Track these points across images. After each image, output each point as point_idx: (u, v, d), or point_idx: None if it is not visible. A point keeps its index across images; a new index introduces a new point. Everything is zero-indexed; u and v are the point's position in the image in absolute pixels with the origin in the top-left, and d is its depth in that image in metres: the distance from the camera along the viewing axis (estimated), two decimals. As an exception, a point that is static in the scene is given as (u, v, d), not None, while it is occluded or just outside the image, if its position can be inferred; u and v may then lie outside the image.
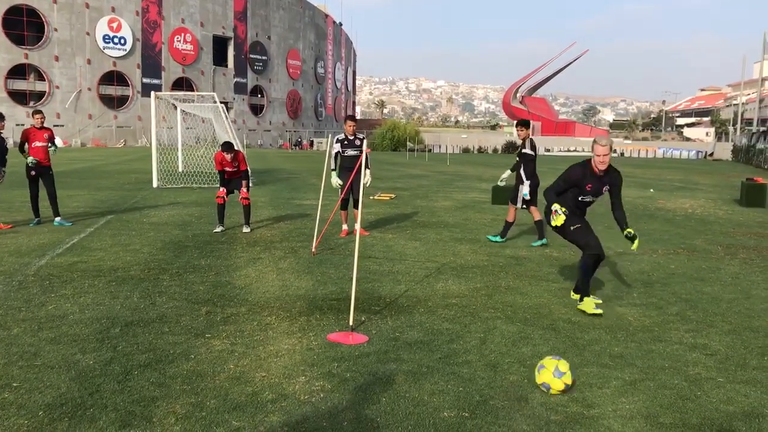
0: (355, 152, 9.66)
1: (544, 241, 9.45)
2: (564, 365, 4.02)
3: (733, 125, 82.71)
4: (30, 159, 10.42)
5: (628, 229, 5.89)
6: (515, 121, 10.45)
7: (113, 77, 75.44)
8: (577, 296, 6.23)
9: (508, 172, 9.87)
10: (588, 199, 6.01)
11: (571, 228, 5.91)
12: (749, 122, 76.23)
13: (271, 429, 3.46)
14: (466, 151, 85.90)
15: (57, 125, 66.48)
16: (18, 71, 69.24)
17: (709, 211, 14.76)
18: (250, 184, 11.38)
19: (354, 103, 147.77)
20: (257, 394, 3.90)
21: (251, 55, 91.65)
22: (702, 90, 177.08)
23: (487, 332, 5.23)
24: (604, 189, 5.91)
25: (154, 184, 19.08)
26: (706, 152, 78.62)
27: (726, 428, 3.58)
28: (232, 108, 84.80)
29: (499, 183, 11.00)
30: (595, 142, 5.87)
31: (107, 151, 54.64)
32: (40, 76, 70.81)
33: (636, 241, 5.87)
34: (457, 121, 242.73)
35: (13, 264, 7.56)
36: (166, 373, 4.21)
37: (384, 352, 4.68)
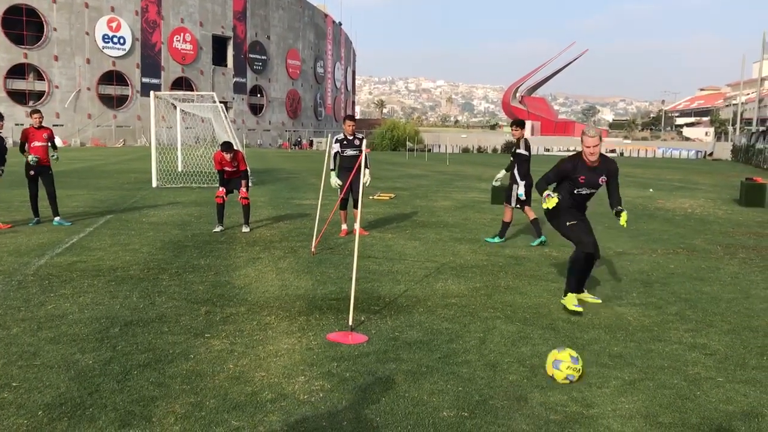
0: (355, 152, 9.66)
1: (542, 239, 9.46)
2: (564, 365, 4.18)
3: (733, 125, 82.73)
4: (31, 157, 10.41)
5: (616, 208, 5.80)
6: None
7: (112, 77, 75.45)
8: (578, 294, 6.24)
9: (503, 171, 9.86)
10: (584, 192, 5.89)
11: (567, 224, 5.88)
12: (748, 122, 76.25)
13: (270, 429, 3.46)
14: (465, 150, 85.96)
15: (56, 125, 66.46)
16: (17, 71, 69.24)
17: (708, 211, 14.76)
18: (250, 184, 11.38)
19: (353, 102, 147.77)
20: (257, 394, 3.89)
21: (251, 55, 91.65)
22: (701, 90, 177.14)
23: (487, 332, 5.23)
24: (600, 180, 5.81)
25: (154, 184, 19.07)
26: (705, 152, 78.69)
27: (725, 428, 3.58)
28: (232, 108, 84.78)
29: (494, 183, 11.01)
30: (583, 133, 5.79)
31: (106, 151, 54.63)
32: (40, 76, 70.81)
33: (623, 215, 5.73)
34: (456, 121, 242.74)
35: (12, 263, 7.55)
36: (166, 372, 4.21)
37: (383, 352, 4.68)
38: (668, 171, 36.95)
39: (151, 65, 77.97)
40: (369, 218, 12.12)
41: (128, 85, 76.59)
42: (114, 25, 74.50)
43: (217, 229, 10.27)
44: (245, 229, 10.33)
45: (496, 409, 3.75)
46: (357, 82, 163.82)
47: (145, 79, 76.94)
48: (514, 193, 9.40)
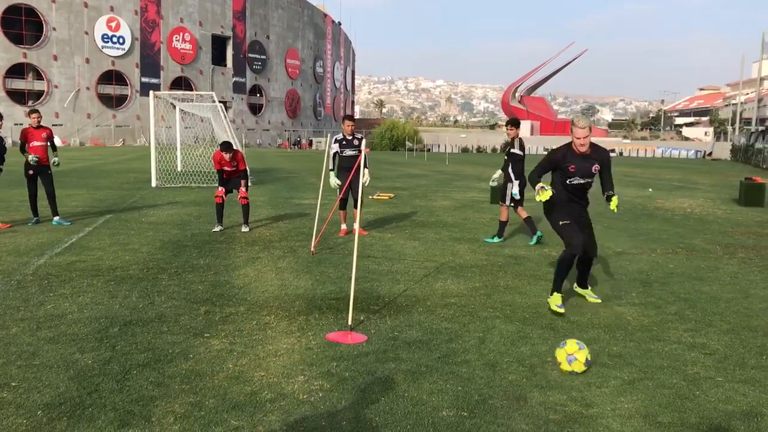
0: (354, 152, 9.65)
1: (538, 234, 9.51)
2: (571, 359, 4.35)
3: (732, 125, 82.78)
4: (31, 157, 10.40)
5: (606, 193, 5.75)
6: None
7: (112, 76, 75.44)
8: (579, 289, 6.22)
9: (499, 171, 9.83)
10: (576, 182, 5.76)
11: (560, 223, 5.81)
12: (748, 122, 76.30)
13: (269, 428, 3.46)
14: (465, 150, 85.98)
15: (56, 124, 66.46)
16: (16, 70, 69.21)
17: (707, 211, 14.77)
18: (249, 184, 11.37)
19: (353, 102, 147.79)
20: (256, 394, 3.89)
21: (250, 55, 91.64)
22: (701, 89, 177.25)
23: (486, 332, 5.23)
24: (594, 168, 5.72)
25: (153, 184, 19.07)
26: (704, 152, 78.73)
27: (724, 427, 3.58)
28: (231, 107, 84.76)
29: (491, 183, 11.01)
30: (573, 124, 5.68)
31: (106, 151, 54.61)
32: (39, 76, 70.78)
33: (614, 199, 5.69)
34: (456, 121, 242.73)
35: (11, 263, 7.55)
36: (165, 372, 4.21)
37: (383, 352, 4.68)
38: (667, 171, 36.97)
39: (150, 65, 77.95)
40: (368, 218, 12.12)
41: (127, 85, 76.57)
42: (113, 24, 74.48)
43: (217, 228, 10.27)
44: (244, 229, 10.33)
45: (495, 409, 3.75)
46: (356, 81, 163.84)
47: (145, 79, 76.93)
48: (508, 192, 9.42)
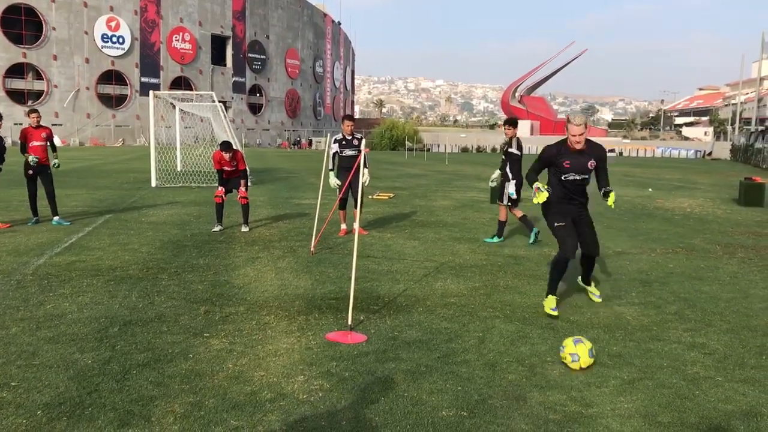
0: (353, 152, 9.64)
1: (535, 230, 9.56)
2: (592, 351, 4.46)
3: (732, 124, 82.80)
4: (31, 158, 10.40)
5: (603, 189, 5.69)
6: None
7: (111, 76, 75.42)
8: (582, 284, 6.17)
9: (498, 172, 9.84)
10: (571, 177, 5.66)
11: (555, 224, 5.75)
12: (747, 121, 76.32)
13: (269, 428, 3.46)
14: (464, 150, 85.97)
15: (55, 124, 66.48)
16: (16, 70, 69.20)
17: (707, 211, 14.77)
18: (249, 184, 11.37)
19: (353, 102, 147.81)
20: (256, 394, 3.89)
21: (250, 55, 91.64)
22: (700, 89, 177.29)
23: (486, 331, 5.23)
24: (589, 164, 5.64)
25: (153, 184, 19.07)
26: (704, 151, 78.73)
27: (724, 427, 3.59)
28: (231, 107, 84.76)
29: (490, 184, 11.02)
30: (568, 121, 5.61)
31: (105, 151, 54.60)
32: (39, 75, 70.76)
33: (612, 195, 5.62)
34: (455, 121, 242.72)
35: (11, 263, 7.55)
36: (165, 372, 4.21)
37: (383, 352, 4.68)
38: (667, 170, 36.97)
39: (150, 65, 77.94)
40: (368, 218, 12.12)
41: (127, 85, 76.56)
42: (113, 24, 74.47)
43: (216, 228, 10.27)
44: (244, 229, 10.33)
45: (495, 409, 3.75)
46: (356, 81, 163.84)
47: (144, 79, 76.92)
48: (506, 192, 9.44)
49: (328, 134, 11.69)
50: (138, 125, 76.44)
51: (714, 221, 12.81)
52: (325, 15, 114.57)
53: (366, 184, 9.51)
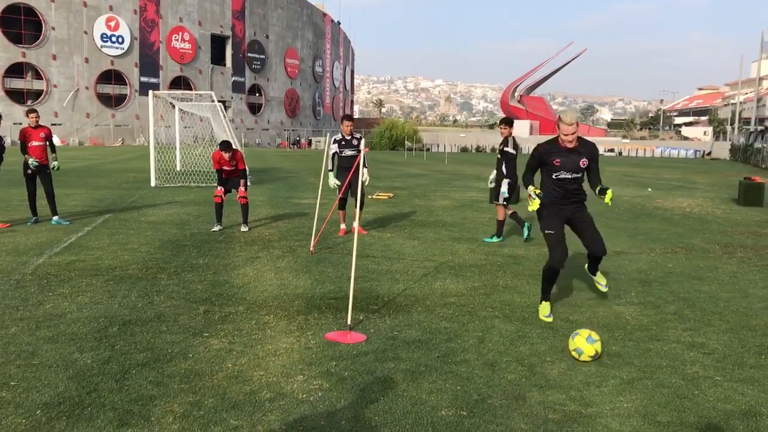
0: (353, 152, 9.64)
1: (527, 225, 9.66)
2: (596, 334, 4.60)
3: (731, 124, 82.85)
4: (31, 161, 10.39)
5: (599, 187, 5.58)
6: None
7: (111, 76, 75.40)
8: (589, 273, 6.06)
9: (495, 172, 9.86)
10: (563, 176, 5.52)
11: (545, 231, 5.63)
12: (747, 121, 76.37)
13: (269, 428, 3.46)
14: (464, 150, 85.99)
15: (54, 124, 66.44)
16: (15, 70, 69.16)
17: (707, 210, 14.78)
18: (248, 183, 11.37)
19: (352, 102, 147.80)
20: (255, 393, 3.89)
21: (249, 54, 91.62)
22: (700, 89, 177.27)
23: (485, 331, 5.24)
24: (581, 162, 5.49)
25: (152, 183, 19.06)
26: (704, 151, 78.77)
27: (723, 427, 3.59)
28: (230, 107, 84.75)
29: (489, 185, 11.04)
30: (560, 120, 5.44)
31: (105, 150, 54.57)
32: (38, 75, 70.73)
33: (609, 192, 5.51)
34: (455, 120, 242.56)
35: (10, 263, 7.55)
36: (164, 372, 4.21)
37: (382, 351, 4.68)
38: (667, 170, 36.98)
39: (149, 64, 77.91)
40: (368, 217, 12.12)
41: (127, 85, 76.53)
42: (112, 24, 74.44)
43: (216, 228, 10.27)
44: (244, 229, 10.32)
45: (494, 408, 3.75)
46: (355, 81, 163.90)
47: (144, 79, 76.90)
48: (501, 190, 9.49)
49: (328, 134, 11.69)
50: (137, 125, 76.41)
51: (713, 221, 12.82)
52: (325, 14, 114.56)
53: (366, 183, 9.52)
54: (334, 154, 9.80)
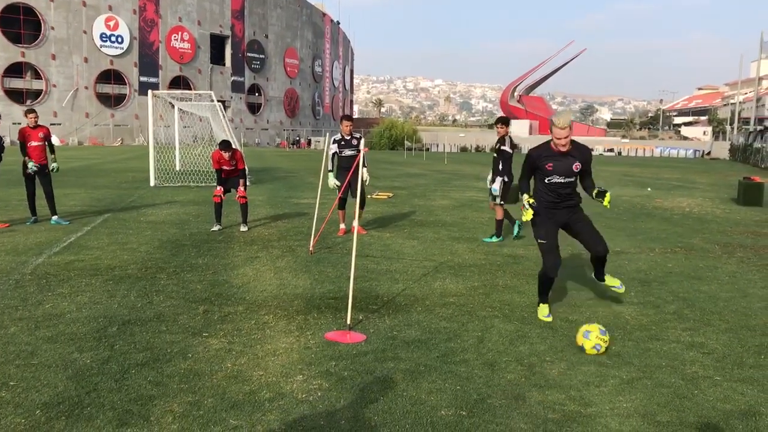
0: (353, 152, 9.64)
1: (518, 223, 9.72)
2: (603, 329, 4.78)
3: (731, 124, 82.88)
4: (31, 165, 10.38)
5: (596, 189, 5.51)
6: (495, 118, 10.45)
7: (110, 76, 75.32)
8: (610, 281, 5.96)
9: (491, 172, 9.85)
10: (556, 180, 5.45)
11: (538, 240, 5.58)
12: (746, 121, 76.41)
13: (268, 427, 3.46)
14: (463, 150, 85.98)
15: (54, 124, 66.38)
16: (15, 69, 69.08)
17: (706, 210, 14.78)
18: (248, 183, 11.36)
19: (351, 102, 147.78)
20: (255, 393, 3.89)
21: (249, 54, 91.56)
22: (699, 89, 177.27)
23: (485, 331, 5.24)
24: (574, 167, 5.42)
25: (152, 183, 19.06)
26: (703, 151, 78.79)
27: (723, 426, 3.59)
28: (230, 107, 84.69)
29: (488, 186, 11.03)
30: (552, 123, 5.36)
31: (104, 150, 54.55)
32: (37, 75, 70.66)
33: (607, 196, 5.46)
34: (454, 120, 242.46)
35: (10, 262, 7.54)
36: (164, 371, 4.21)
37: (382, 351, 4.68)
38: (666, 170, 36.99)
39: (148, 64, 77.85)
40: (367, 217, 12.12)
41: (126, 84, 76.46)
42: (112, 23, 74.36)
43: (215, 228, 10.26)
44: (243, 228, 10.32)
45: (494, 408, 3.75)
46: (355, 81, 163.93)
47: (143, 78, 76.83)
48: (500, 190, 9.50)
49: (327, 134, 11.69)
50: (137, 125, 76.34)
51: (713, 221, 12.82)
52: (324, 14, 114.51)
53: (367, 183, 9.52)
54: (333, 155, 9.80)
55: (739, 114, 78.93)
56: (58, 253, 8.16)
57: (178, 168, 22.68)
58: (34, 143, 10.48)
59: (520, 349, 4.81)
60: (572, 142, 5.43)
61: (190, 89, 71.36)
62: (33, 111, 10.70)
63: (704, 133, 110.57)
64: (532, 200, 5.48)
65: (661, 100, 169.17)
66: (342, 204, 10.05)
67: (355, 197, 8.65)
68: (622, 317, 5.72)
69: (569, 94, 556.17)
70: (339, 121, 10.18)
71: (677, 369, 4.45)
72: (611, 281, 5.94)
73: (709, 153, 74.71)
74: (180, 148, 24.49)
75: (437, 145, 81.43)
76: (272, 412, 3.63)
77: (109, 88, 75.41)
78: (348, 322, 5.17)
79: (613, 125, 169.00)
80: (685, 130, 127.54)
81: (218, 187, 10.32)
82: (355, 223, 6.55)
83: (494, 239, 9.73)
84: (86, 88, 73.50)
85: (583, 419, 3.63)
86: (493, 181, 9.49)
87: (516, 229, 9.77)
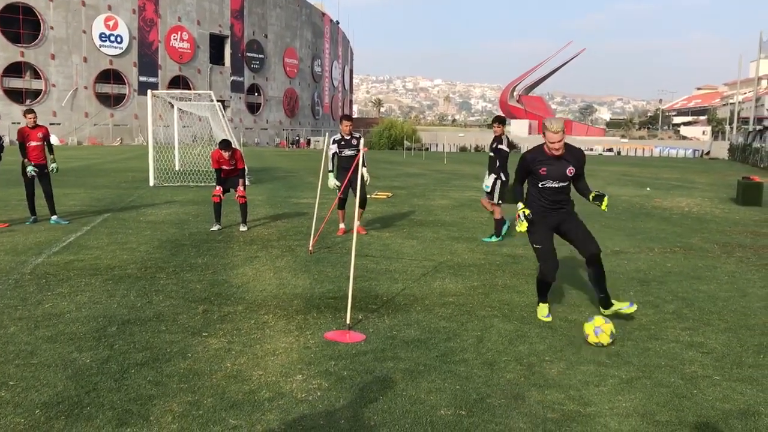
0: (353, 152, 9.64)
1: (506, 223, 9.83)
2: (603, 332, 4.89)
3: (730, 124, 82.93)
4: (30, 168, 10.37)
5: (593, 192, 5.44)
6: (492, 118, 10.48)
7: (110, 75, 75.32)
8: (607, 311, 5.71)
9: (488, 173, 9.85)
10: (549, 185, 5.41)
11: (534, 245, 5.54)
12: (745, 121, 76.45)
13: (268, 427, 3.46)
14: (463, 149, 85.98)
15: (53, 123, 66.39)
16: (14, 69, 69.07)
17: (705, 210, 14.79)
18: (247, 183, 11.36)
19: (351, 101, 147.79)
20: (254, 393, 3.89)
21: (248, 54, 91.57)
22: (698, 89, 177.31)
23: (484, 330, 5.24)
24: (568, 171, 5.37)
25: (151, 183, 19.05)
26: (702, 151, 78.83)
27: (722, 426, 3.59)
28: (229, 106, 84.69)
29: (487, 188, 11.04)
30: (545, 128, 5.27)
31: (104, 150, 54.52)
32: (37, 75, 70.65)
33: (605, 200, 5.40)
34: (454, 120, 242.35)
35: (9, 262, 7.54)
36: (163, 371, 4.21)
37: (381, 351, 4.68)
38: (665, 170, 37.01)
39: (148, 64, 77.84)
40: (367, 217, 12.11)
41: (125, 84, 76.46)
42: (111, 23, 74.35)
43: (215, 227, 10.26)
44: (243, 228, 10.32)
45: (493, 408, 3.75)
46: (354, 81, 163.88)
47: (143, 78, 76.82)
48: (497, 189, 9.51)
49: (327, 133, 11.69)
50: (136, 124, 76.33)
51: (712, 220, 12.83)
52: (324, 14, 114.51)
53: (367, 182, 9.52)
54: (333, 155, 9.80)
55: (738, 114, 78.98)
56: (57, 253, 8.16)
57: (177, 168, 22.67)
58: (33, 143, 10.48)
59: (520, 348, 4.82)
60: (566, 145, 5.37)
61: (189, 89, 71.33)
62: (32, 111, 10.69)
63: (703, 132, 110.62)
64: (527, 211, 5.43)
65: (661, 100, 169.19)
66: (342, 204, 10.05)
67: (357, 195, 8.65)
68: (621, 317, 5.71)
69: (568, 94, 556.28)
70: (338, 121, 10.19)
71: (676, 368, 4.45)
72: (618, 304, 5.62)
73: (708, 153, 74.75)
74: (179, 148, 24.49)
75: (436, 145, 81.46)
76: (272, 412, 3.63)
77: (108, 88, 75.41)
78: (347, 321, 5.17)
79: (613, 125, 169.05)
80: (684, 130, 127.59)
81: (217, 187, 10.32)
82: (356, 223, 6.55)
83: (493, 239, 9.73)
84: (85, 87, 73.50)
85: (583, 419, 3.63)
86: (493, 183, 9.50)
87: (504, 229, 9.83)
